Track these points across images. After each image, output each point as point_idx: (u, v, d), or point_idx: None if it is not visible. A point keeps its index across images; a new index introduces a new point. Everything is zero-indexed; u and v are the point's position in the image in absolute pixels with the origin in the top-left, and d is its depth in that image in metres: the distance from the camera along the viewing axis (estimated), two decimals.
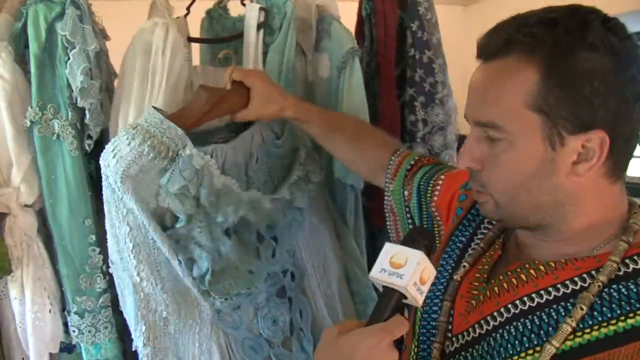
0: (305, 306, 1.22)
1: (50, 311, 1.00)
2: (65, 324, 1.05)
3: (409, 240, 0.74)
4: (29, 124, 0.96)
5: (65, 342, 1.05)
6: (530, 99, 0.70)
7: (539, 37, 0.69)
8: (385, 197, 1.18)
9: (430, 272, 0.73)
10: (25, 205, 1.00)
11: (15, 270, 0.98)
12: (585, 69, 0.68)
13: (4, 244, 0.96)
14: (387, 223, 1.20)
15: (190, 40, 1.16)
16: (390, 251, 0.74)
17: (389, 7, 1.36)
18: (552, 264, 0.75)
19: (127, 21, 1.20)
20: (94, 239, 1.02)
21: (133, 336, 0.99)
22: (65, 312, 1.04)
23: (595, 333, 0.69)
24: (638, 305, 0.68)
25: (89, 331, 1.02)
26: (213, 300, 1.02)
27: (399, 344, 0.73)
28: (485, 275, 0.82)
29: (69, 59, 0.94)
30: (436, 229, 1.07)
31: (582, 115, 0.69)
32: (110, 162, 0.90)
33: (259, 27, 1.24)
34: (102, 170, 0.92)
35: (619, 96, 0.69)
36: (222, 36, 1.40)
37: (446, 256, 0.92)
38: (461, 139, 1.50)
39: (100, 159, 0.92)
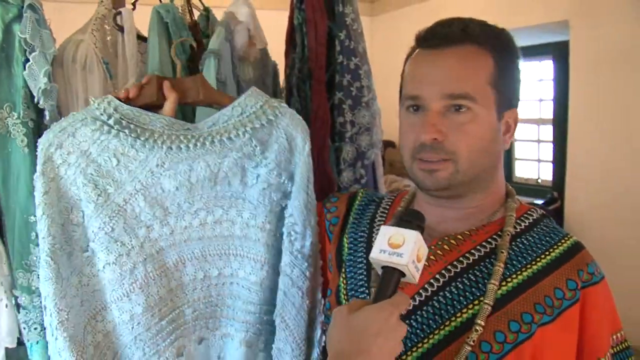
0: None
1: (6, 306, 1.00)
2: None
3: (404, 222, 0.80)
4: None
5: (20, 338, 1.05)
6: (490, 77, 0.88)
7: (487, 32, 0.90)
8: None
9: (424, 250, 0.79)
10: None
11: None
12: (513, 61, 0.92)
13: None
14: None
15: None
16: (387, 233, 0.78)
17: (319, 17, 1.44)
18: (467, 232, 0.92)
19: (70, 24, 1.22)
20: (34, 235, 1.02)
21: None
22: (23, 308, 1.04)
23: (520, 277, 0.87)
24: (539, 252, 0.90)
25: (24, 328, 1.02)
26: None
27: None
28: None
29: (26, 60, 0.96)
30: None
31: (512, 95, 0.91)
32: None
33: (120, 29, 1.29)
34: None
35: (520, 86, 0.94)
36: None
37: (351, 251, 1.02)
38: (385, 144, 1.63)
39: None
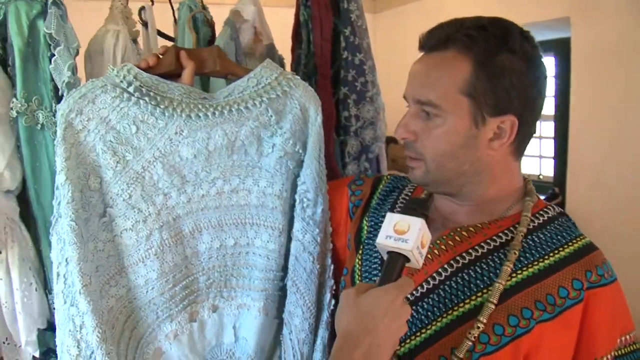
0: None
1: (36, 289, 1.05)
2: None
3: (408, 209, 0.84)
4: (15, 114, 1.01)
5: (50, 320, 1.09)
6: (462, 85, 0.87)
7: (474, 37, 0.86)
8: None
9: (428, 237, 0.83)
10: (7, 191, 1.03)
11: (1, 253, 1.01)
12: (506, 66, 0.86)
13: None
14: None
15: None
16: (393, 219, 0.83)
17: (324, 13, 1.48)
18: (479, 225, 0.93)
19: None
20: None
21: None
22: (47, 291, 1.08)
23: (526, 272, 0.88)
24: (548, 250, 0.90)
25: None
26: None
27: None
28: None
29: (52, 54, 1.00)
30: None
31: (501, 102, 0.87)
32: None
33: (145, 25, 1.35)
34: None
35: (528, 91, 0.88)
36: None
37: (370, 235, 1.06)
38: (387, 140, 1.67)
39: None
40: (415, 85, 0.92)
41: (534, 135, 0.95)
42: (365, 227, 1.08)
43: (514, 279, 0.88)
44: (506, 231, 0.93)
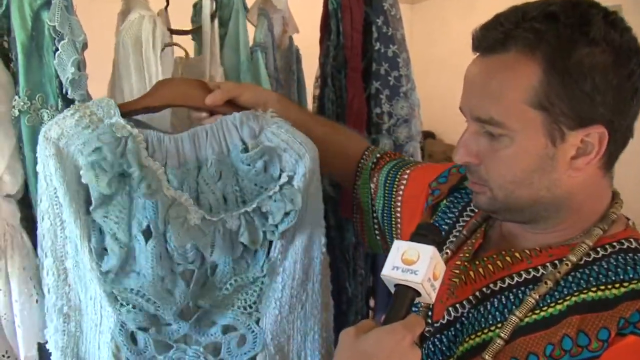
0: None
1: (36, 301, 0.99)
2: None
3: (418, 236, 0.74)
4: (17, 113, 0.94)
5: None
6: (531, 96, 0.70)
7: (541, 32, 0.69)
8: (354, 192, 1.17)
9: (441, 267, 0.73)
10: (7, 195, 0.97)
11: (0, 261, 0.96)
12: (586, 65, 0.68)
13: None
14: (354, 218, 1.23)
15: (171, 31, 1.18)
16: (400, 248, 0.73)
17: (355, 2, 1.40)
18: (528, 252, 0.78)
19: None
20: None
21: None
22: None
23: (551, 309, 0.73)
24: (592, 285, 0.72)
25: None
26: (119, 308, 0.90)
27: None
28: (465, 263, 0.83)
29: (56, 49, 0.94)
30: (394, 225, 1.07)
31: (583, 110, 0.70)
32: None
33: (211, 17, 1.23)
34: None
35: (618, 91, 0.70)
36: None
37: None
38: (424, 135, 1.57)
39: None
40: (472, 97, 0.76)
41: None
42: None
43: (534, 315, 0.73)
44: (556, 262, 0.76)
